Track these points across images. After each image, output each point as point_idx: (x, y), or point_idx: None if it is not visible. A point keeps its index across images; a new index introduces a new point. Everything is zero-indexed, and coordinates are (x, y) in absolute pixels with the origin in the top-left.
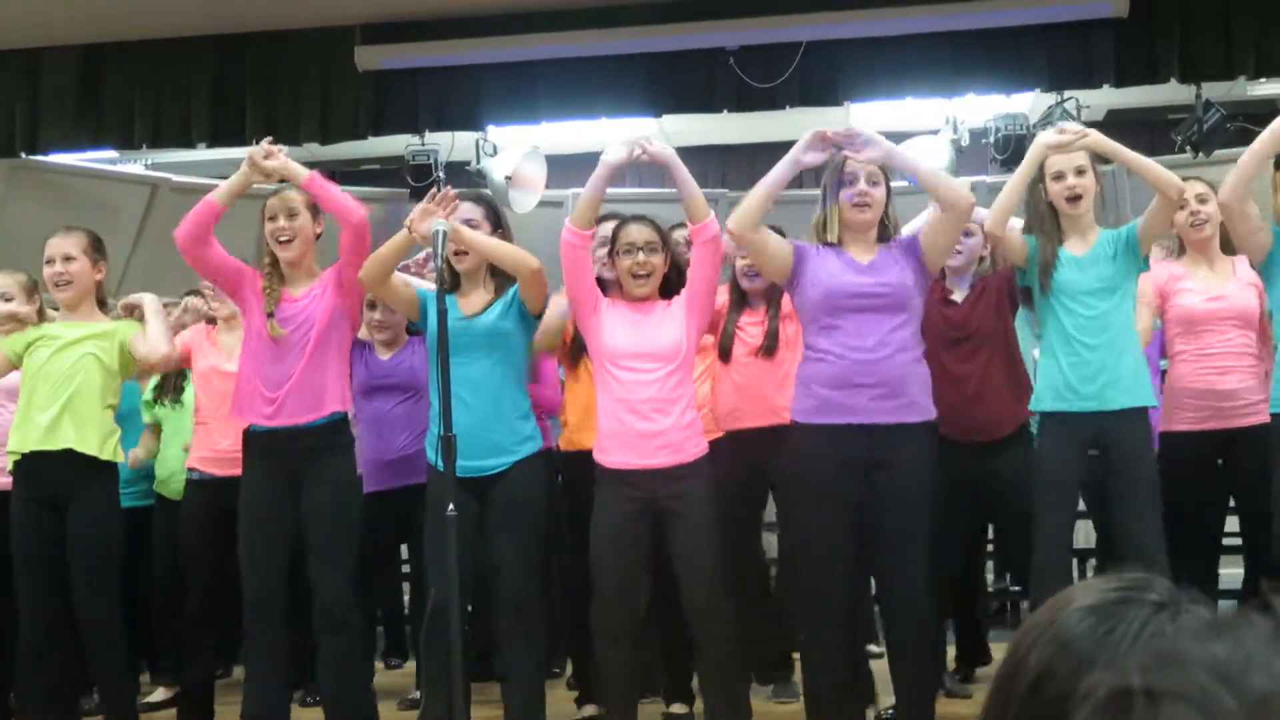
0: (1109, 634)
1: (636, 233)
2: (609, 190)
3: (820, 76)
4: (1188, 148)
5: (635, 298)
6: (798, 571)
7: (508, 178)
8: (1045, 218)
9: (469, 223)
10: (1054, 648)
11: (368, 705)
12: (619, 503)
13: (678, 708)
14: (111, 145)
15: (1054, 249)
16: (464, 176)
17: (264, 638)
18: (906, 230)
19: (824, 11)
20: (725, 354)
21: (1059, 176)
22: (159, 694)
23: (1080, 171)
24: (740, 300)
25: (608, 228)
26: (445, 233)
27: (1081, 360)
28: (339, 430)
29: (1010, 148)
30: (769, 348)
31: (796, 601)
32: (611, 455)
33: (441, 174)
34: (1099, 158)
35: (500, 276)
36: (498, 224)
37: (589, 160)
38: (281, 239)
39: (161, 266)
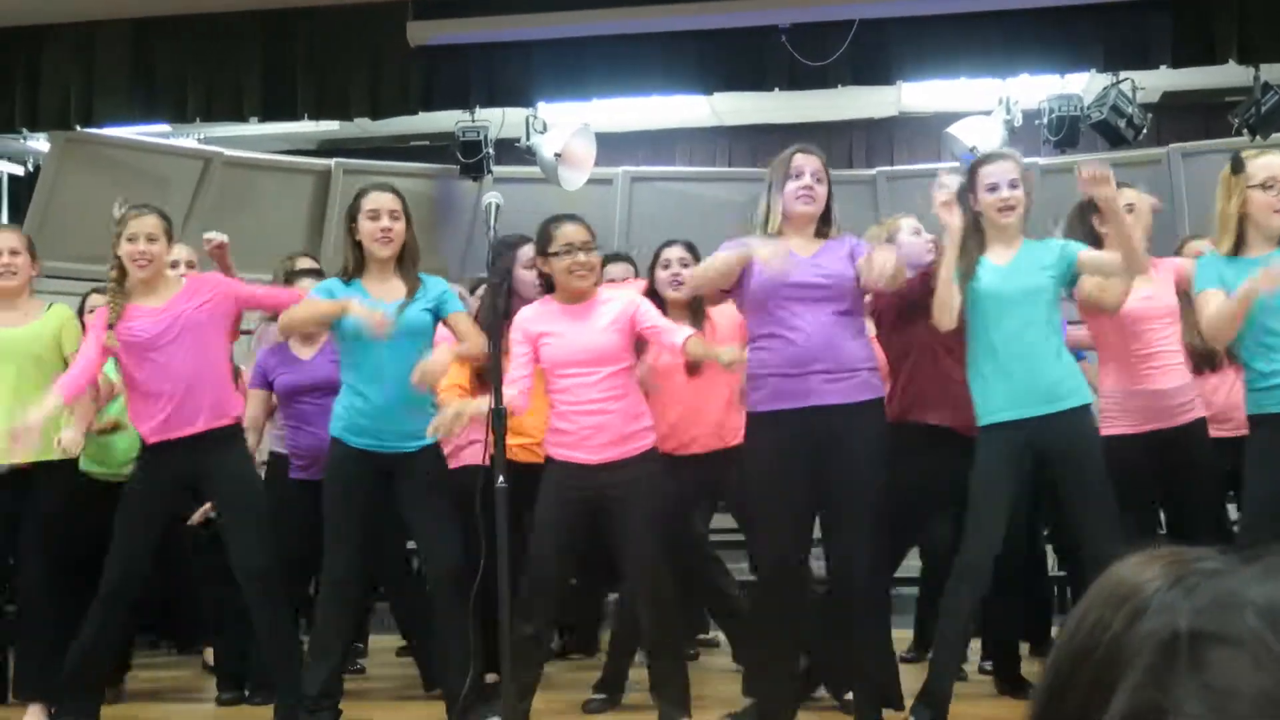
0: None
1: (574, 233)
2: (666, 167)
3: (872, 55)
4: (1245, 130)
5: (575, 296)
6: (754, 557)
7: (557, 155)
8: (968, 229)
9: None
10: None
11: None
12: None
13: None
14: (164, 119)
15: (975, 260)
16: (514, 153)
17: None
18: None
19: None
20: (695, 368)
21: (994, 188)
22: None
23: (1014, 185)
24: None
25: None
26: (499, 205)
27: (1009, 370)
28: None
29: (1064, 129)
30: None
31: (754, 589)
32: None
33: (491, 151)
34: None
35: (405, 270)
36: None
37: (638, 138)
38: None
39: None
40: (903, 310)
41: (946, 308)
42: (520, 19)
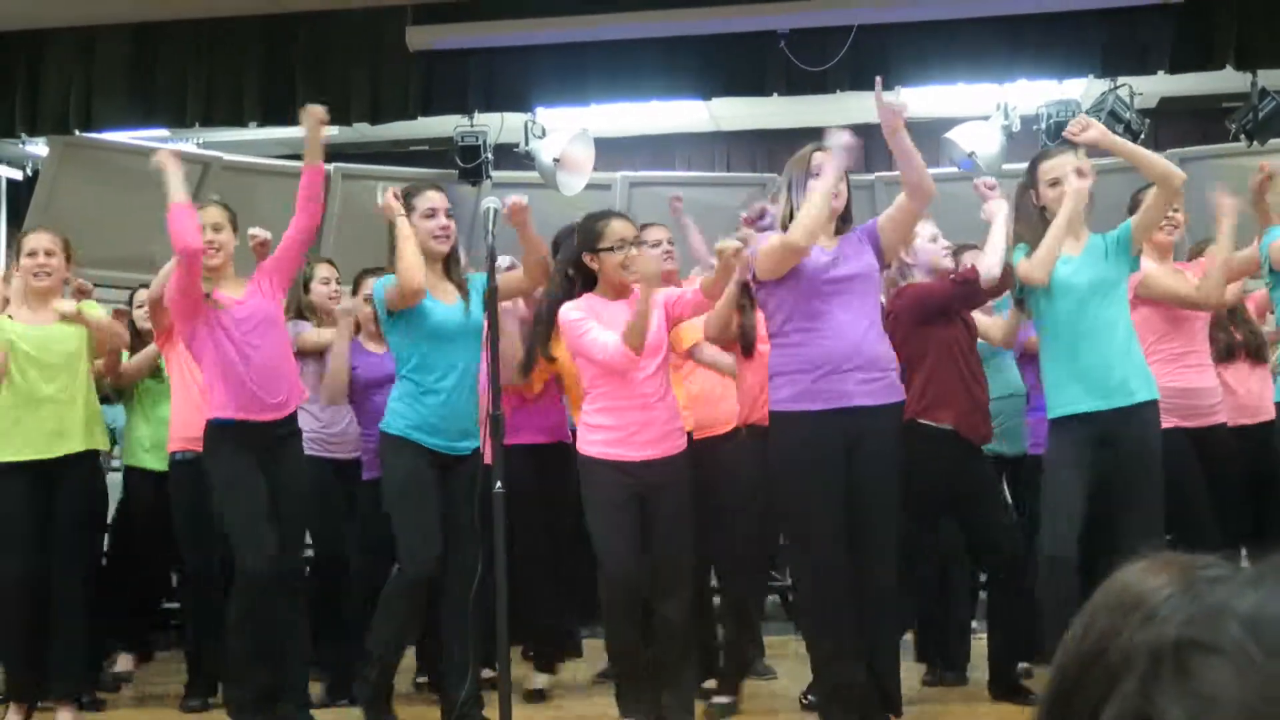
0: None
1: (625, 228)
2: (664, 173)
3: (871, 60)
4: (1242, 136)
5: (621, 291)
6: (798, 558)
7: (556, 160)
8: (1035, 223)
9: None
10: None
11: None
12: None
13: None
14: (164, 123)
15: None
16: (512, 158)
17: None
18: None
19: None
20: (749, 349)
21: (1055, 183)
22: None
23: (1080, 174)
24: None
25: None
26: (496, 210)
27: (1081, 363)
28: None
29: (1062, 134)
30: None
31: (802, 592)
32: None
33: (489, 156)
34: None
35: (452, 269)
36: None
37: (637, 143)
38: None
39: None
40: (924, 312)
41: (1046, 264)
42: (519, 24)
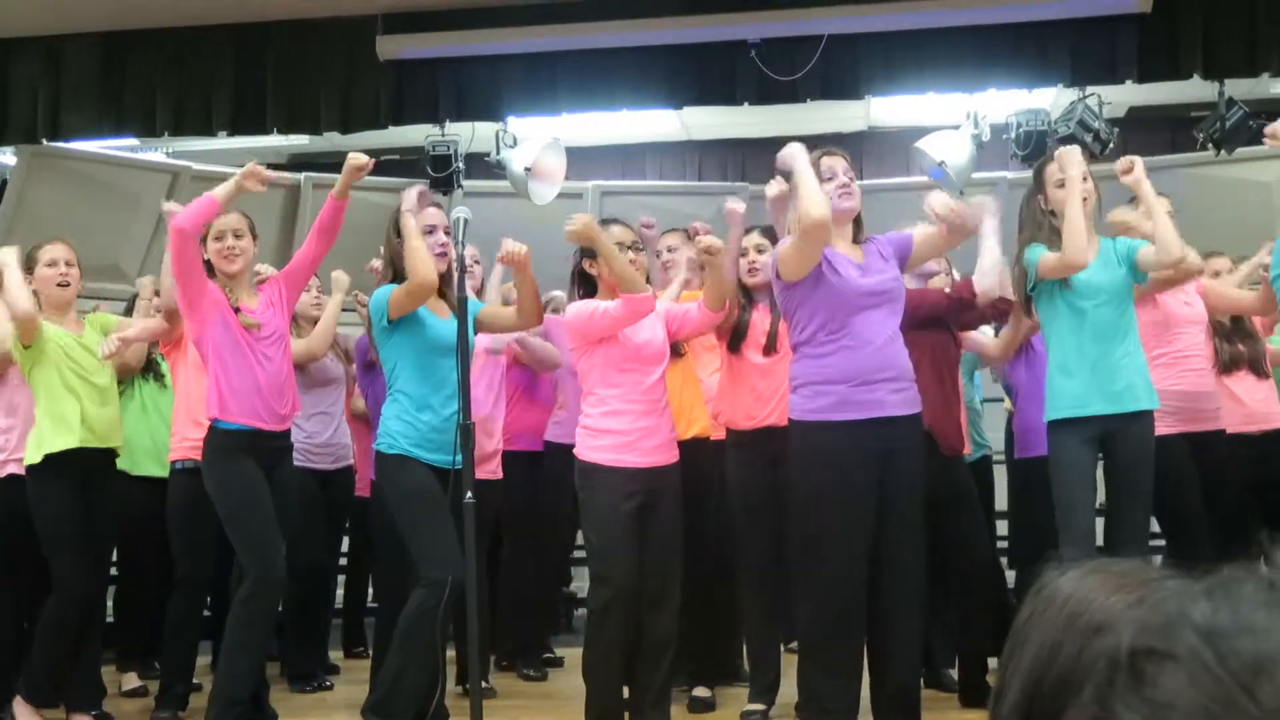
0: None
1: (621, 233)
2: (636, 182)
3: (841, 70)
4: (1210, 145)
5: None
6: (810, 570)
7: (527, 169)
8: (1046, 227)
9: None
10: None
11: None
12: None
13: (700, 691)
14: (133, 133)
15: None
16: (484, 167)
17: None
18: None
19: (846, 4)
20: (736, 345)
21: (1063, 183)
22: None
23: (1084, 177)
24: (748, 295)
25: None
26: (467, 220)
27: (1086, 367)
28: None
29: (1031, 143)
30: (772, 345)
31: (806, 606)
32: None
33: (461, 165)
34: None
35: (448, 286)
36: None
37: (608, 153)
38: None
39: None
40: (913, 318)
41: (1082, 244)
42: (490, 33)
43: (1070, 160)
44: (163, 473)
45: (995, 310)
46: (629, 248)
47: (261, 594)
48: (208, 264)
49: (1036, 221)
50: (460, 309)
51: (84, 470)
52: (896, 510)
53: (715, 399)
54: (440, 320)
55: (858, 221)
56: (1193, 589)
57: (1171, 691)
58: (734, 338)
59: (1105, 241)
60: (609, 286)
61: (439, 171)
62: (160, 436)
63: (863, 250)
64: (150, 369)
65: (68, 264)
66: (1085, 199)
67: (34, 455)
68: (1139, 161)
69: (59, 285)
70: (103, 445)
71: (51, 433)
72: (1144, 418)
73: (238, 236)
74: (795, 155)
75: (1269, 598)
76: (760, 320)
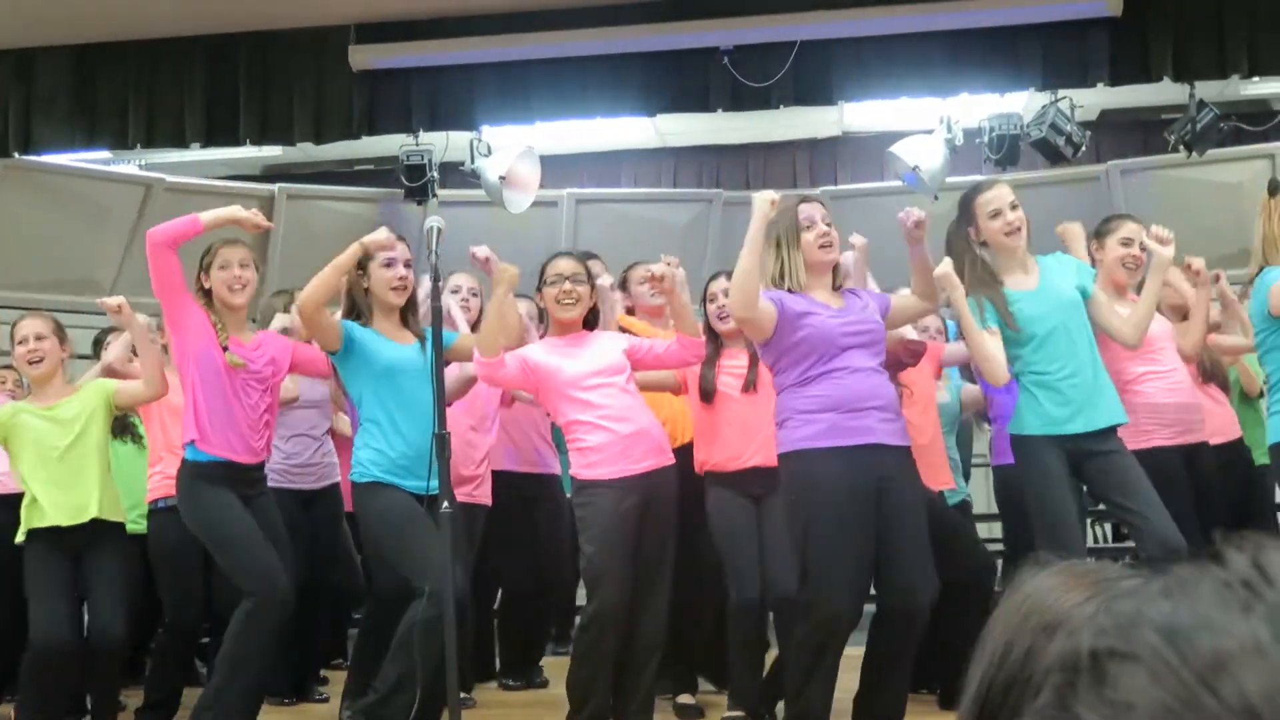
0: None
1: (564, 265)
2: (611, 189)
3: (814, 76)
4: (1181, 147)
5: (565, 327)
6: (810, 596)
7: (502, 178)
8: (978, 264)
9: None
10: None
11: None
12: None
13: (684, 698)
14: (105, 145)
15: (999, 291)
16: (458, 176)
17: None
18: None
19: (818, 10)
20: (709, 395)
21: (996, 214)
22: None
23: (1014, 206)
24: (716, 342)
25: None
26: (440, 229)
27: (1054, 388)
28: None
29: (1004, 147)
30: (751, 383)
31: (803, 625)
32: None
33: (435, 174)
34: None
35: (410, 315)
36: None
37: (583, 160)
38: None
39: None
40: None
41: (997, 362)
42: (463, 42)
43: (950, 283)
44: (139, 528)
45: (908, 352)
46: (567, 279)
47: (263, 613)
48: (208, 292)
49: (963, 252)
50: (435, 318)
51: (70, 543)
52: (906, 539)
53: (695, 446)
54: (395, 344)
55: (837, 268)
56: (1150, 588)
57: (1133, 691)
58: (703, 393)
59: (1043, 260)
60: (552, 319)
61: (413, 181)
62: (133, 496)
63: (842, 297)
64: (126, 430)
65: (38, 338)
66: (1020, 228)
67: (20, 533)
68: (1167, 251)
69: (29, 364)
70: (77, 522)
71: (29, 508)
72: (1112, 433)
73: (244, 267)
74: (755, 208)
75: (1226, 596)
76: (731, 365)
